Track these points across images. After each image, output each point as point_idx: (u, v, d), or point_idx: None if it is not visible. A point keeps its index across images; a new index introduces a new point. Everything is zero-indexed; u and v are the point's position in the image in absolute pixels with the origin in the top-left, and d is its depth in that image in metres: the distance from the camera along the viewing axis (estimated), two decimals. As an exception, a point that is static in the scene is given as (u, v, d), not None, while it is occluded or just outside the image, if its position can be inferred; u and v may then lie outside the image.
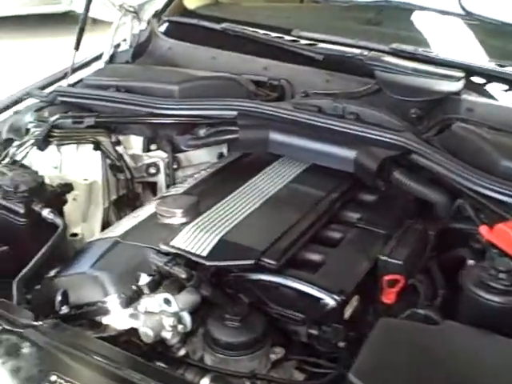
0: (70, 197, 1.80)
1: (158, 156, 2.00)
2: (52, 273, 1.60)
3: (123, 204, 1.98)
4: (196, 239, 1.41)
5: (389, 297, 1.38)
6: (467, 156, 1.63)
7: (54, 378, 1.11)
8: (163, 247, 1.40)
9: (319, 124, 1.76)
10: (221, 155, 2.07)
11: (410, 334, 1.21)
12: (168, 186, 2.02)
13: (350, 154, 1.68)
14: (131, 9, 2.38)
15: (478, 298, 1.26)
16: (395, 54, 2.00)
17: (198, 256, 1.36)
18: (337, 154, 1.70)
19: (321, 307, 1.30)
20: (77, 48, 2.20)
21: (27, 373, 1.13)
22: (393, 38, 2.13)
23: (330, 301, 1.29)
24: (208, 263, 1.35)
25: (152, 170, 2.00)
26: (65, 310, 1.37)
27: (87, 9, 2.21)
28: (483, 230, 1.45)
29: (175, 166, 2.01)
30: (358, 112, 1.81)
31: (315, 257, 1.43)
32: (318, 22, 2.37)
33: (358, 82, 1.99)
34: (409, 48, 1.99)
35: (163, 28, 2.52)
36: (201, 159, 2.07)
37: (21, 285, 1.41)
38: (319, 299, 1.30)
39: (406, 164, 1.67)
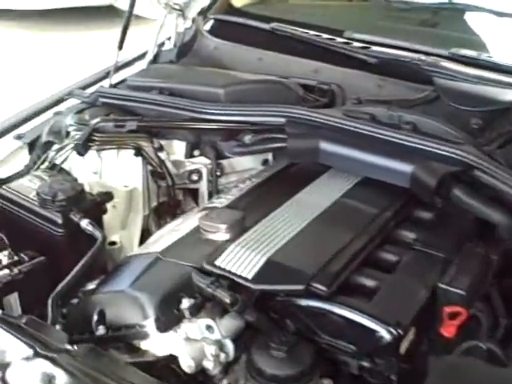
0: (109, 204, 1.74)
1: (201, 162, 1.92)
2: (89, 286, 1.55)
3: (163, 211, 1.91)
4: (241, 259, 1.32)
5: (448, 330, 1.27)
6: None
7: (88, 411, 1.03)
8: (206, 267, 1.31)
9: (373, 134, 1.65)
10: (265, 162, 1.98)
11: (474, 379, 1.10)
12: (210, 193, 1.94)
13: (406, 167, 1.56)
14: (177, 6, 2.30)
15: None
16: (455, 59, 1.87)
17: (244, 278, 1.27)
18: (392, 167, 1.59)
19: (375, 340, 1.20)
20: (120, 47, 2.13)
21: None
22: (451, 41, 2.01)
23: (385, 334, 1.19)
24: (254, 286, 1.27)
25: (194, 177, 1.92)
26: (101, 330, 1.30)
27: (132, 7, 2.13)
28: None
29: (218, 173, 1.93)
30: (415, 121, 1.69)
31: (369, 282, 1.32)
32: (370, 22, 2.25)
33: (412, 89, 1.88)
34: (470, 53, 1.86)
35: (209, 26, 2.44)
36: (245, 166, 1.98)
37: (56, 302, 1.34)
38: (374, 331, 1.20)
39: (466, 180, 1.56)
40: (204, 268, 1.31)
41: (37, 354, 1.15)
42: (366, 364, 1.25)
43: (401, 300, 1.27)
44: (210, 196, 1.93)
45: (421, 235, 1.49)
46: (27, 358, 1.16)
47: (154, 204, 1.88)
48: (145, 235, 1.84)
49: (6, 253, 1.55)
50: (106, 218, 1.69)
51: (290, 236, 1.40)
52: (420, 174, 1.54)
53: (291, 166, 1.79)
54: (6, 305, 1.48)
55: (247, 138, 1.85)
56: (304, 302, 1.27)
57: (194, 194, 1.98)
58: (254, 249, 1.35)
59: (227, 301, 1.23)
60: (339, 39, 2.04)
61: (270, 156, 1.97)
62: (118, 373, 1.13)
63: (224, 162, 1.94)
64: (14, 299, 1.49)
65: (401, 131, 1.65)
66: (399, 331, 1.19)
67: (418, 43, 1.96)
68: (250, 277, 1.27)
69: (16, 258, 1.53)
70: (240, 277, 1.28)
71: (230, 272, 1.29)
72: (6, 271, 1.49)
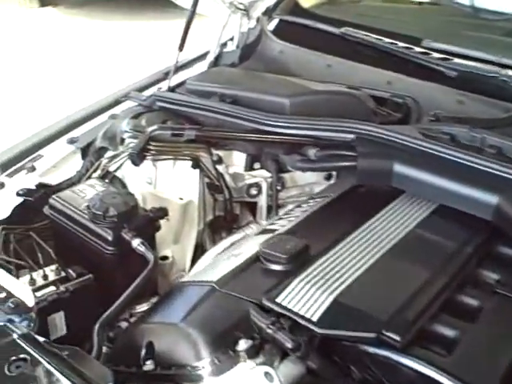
0: (163, 217, 1.63)
1: (261, 175, 1.80)
2: (139, 308, 1.46)
3: (219, 226, 1.80)
4: (305, 297, 1.19)
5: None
6: None
7: None
8: (267, 303, 1.19)
9: (453, 158, 1.50)
10: (329, 177, 1.85)
11: None
12: (269, 208, 1.82)
13: (490, 198, 1.41)
14: (241, 6, 2.18)
15: None
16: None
17: (308, 320, 1.14)
18: (473, 196, 1.43)
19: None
20: (181, 48, 2.02)
21: None
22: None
23: (468, 398, 1.05)
24: (320, 331, 1.14)
25: (253, 191, 1.80)
26: (149, 365, 1.19)
27: (195, 6, 2.01)
28: None
29: (279, 187, 1.81)
30: (500, 145, 1.53)
31: (448, 332, 1.18)
32: (449, 29, 2.08)
33: (497, 107, 1.71)
34: None
35: (273, 27, 2.31)
36: (307, 180, 1.86)
37: (102, 329, 1.24)
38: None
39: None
40: (264, 305, 1.19)
41: (79, 396, 1.05)
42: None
43: (485, 357, 1.12)
44: (269, 210, 1.82)
45: (504, 276, 1.33)
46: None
47: (210, 218, 1.78)
48: (198, 250, 1.74)
49: (53, 267, 1.46)
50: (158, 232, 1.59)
51: (359, 272, 1.26)
52: (506, 207, 1.38)
53: (359, 187, 1.65)
54: (51, 324, 1.40)
55: (312, 153, 1.71)
56: (374, 351, 1.14)
57: (252, 207, 1.87)
58: (319, 286, 1.22)
59: (289, 346, 1.11)
60: (417, 48, 1.88)
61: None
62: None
63: (285, 175, 1.82)
64: (59, 318, 1.41)
65: (484, 156, 1.50)
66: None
67: (505, 56, 1.79)
68: (315, 319, 1.15)
69: (63, 273, 1.45)
70: (304, 318, 1.15)
71: (292, 312, 1.16)
72: (53, 288, 1.41)
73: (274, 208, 1.80)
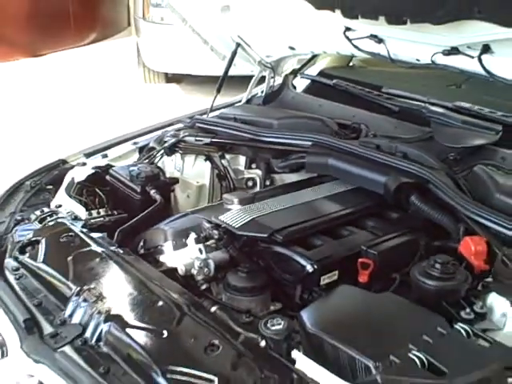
0: (184, 194, 2.50)
1: (256, 173, 2.61)
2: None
3: (225, 206, 2.60)
4: (237, 217, 1.96)
5: (362, 277, 1.80)
6: (479, 191, 2.01)
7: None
8: (213, 219, 1.98)
9: (370, 156, 2.23)
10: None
11: (356, 296, 1.64)
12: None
13: (382, 178, 2.12)
14: (268, 65, 3.05)
15: (417, 282, 1.66)
16: (455, 109, 2.40)
17: (232, 227, 1.92)
18: (374, 178, 2.15)
19: (302, 271, 1.78)
20: (218, 91, 2.92)
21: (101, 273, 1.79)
22: (473, 99, 2.49)
23: (308, 267, 1.77)
24: (237, 232, 1.90)
25: (249, 183, 2.61)
26: (141, 251, 2.02)
27: (230, 62, 2.92)
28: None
29: (268, 183, 2.59)
30: (406, 151, 2.24)
31: (318, 242, 1.91)
32: (412, 83, 2.79)
33: (417, 130, 2.43)
34: (466, 105, 2.38)
35: (296, 83, 3.15)
36: (293, 180, 2.62)
37: (120, 234, 2.07)
38: (303, 266, 1.78)
39: (425, 192, 2.07)
40: (212, 220, 1.98)
41: (91, 251, 1.89)
42: (304, 296, 1.81)
43: (330, 251, 1.84)
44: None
45: (379, 225, 2.03)
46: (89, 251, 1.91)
47: (218, 199, 2.58)
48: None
49: (104, 209, 2.33)
50: (181, 204, 2.45)
51: (275, 209, 2.03)
52: (387, 182, 2.09)
53: (315, 178, 2.40)
54: (98, 239, 2.26)
55: (291, 158, 2.51)
56: (268, 247, 1.89)
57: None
58: (247, 213, 1.99)
59: (216, 236, 1.89)
60: (375, 92, 2.65)
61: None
62: (138, 266, 1.82)
63: (276, 176, 2.61)
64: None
65: (391, 156, 2.22)
66: (317, 266, 1.76)
67: (435, 98, 2.50)
68: (236, 226, 1.92)
69: (110, 212, 2.31)
70: (229, 225, 1.92)
71: (224, 222, 1.94)
72: (101, 219, 2.27)
73: None
